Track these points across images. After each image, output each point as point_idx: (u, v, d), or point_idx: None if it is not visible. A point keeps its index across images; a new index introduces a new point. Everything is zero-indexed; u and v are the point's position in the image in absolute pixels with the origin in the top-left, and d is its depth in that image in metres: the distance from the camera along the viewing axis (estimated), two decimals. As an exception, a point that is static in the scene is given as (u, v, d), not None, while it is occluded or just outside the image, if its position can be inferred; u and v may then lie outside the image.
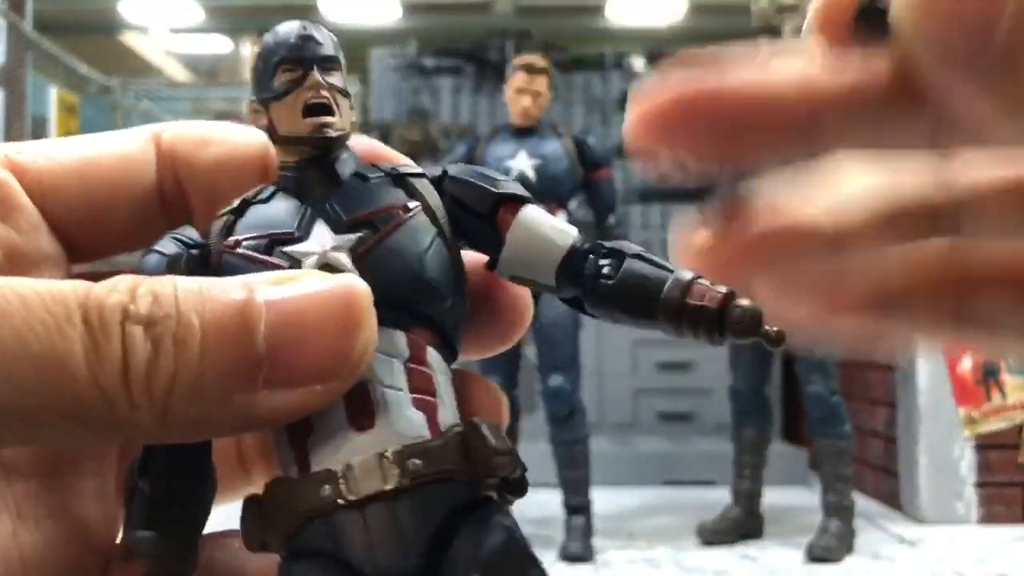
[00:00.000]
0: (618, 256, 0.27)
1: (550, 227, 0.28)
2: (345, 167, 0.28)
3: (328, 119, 0.27)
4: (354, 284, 0.23)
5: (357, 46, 6.22)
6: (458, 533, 0.25)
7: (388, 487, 0.25)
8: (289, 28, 0.28)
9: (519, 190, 0.29)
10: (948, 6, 0.20)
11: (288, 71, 0.27)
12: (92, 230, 0.28)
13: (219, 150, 0.29)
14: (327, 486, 0.25)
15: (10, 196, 0.26)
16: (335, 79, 0.28)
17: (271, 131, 0.28)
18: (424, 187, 0.28)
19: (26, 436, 0.22)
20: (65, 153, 0.28)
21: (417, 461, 0.25)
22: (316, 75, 0.27)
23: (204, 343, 0.21)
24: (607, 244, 0.28)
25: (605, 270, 0.27)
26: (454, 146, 3.50)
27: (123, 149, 0.29)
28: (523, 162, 3.19)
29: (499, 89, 4.89)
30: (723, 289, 0.26)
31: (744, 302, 0.25)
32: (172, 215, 0.29)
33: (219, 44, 9.42)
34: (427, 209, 0.28)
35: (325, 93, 0.27)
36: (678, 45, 5.45)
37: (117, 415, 0.21)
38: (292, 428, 0.25)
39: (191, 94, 6.21)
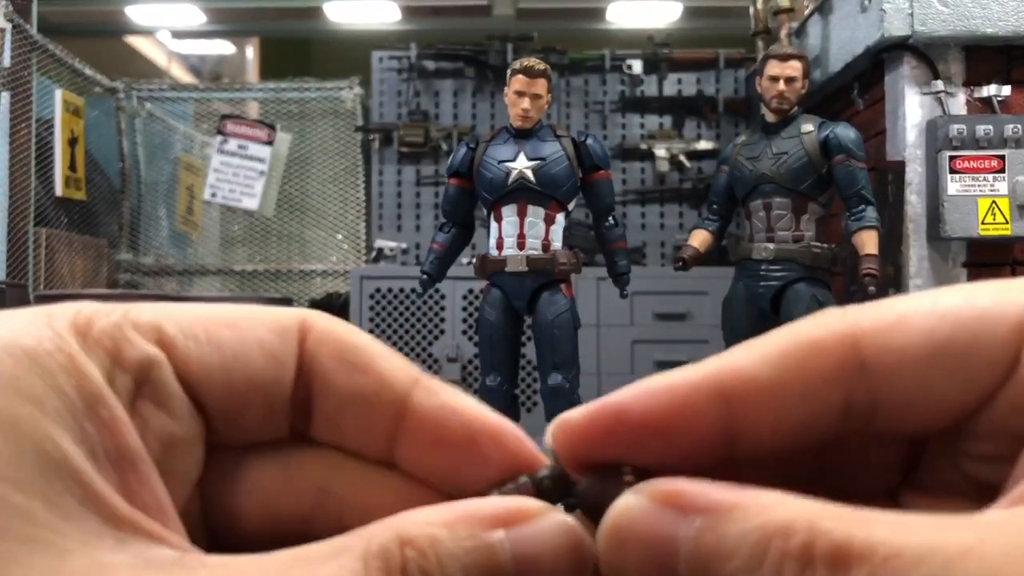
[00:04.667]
0: None
1: None
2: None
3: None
4: (578, 528, 0.25)
5: (358, 48, 6.26)
6: None
7: None
8: None
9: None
10: (634, 559, 0.24)
11: None
12: (226, 421, 0.28)
13: (364, 381, 0.28)
14: None
15: (165, 382, 0.26)
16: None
17: None
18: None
19: None
20: (212, 338, 0.27)
21: None
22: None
23: None
24: None
25: None
26: (455, 148, 3.53)
27: (269, 345, 0.27)
28: (523, 164, 3.22)
29: (499, 92, 4.93)
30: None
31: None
32: (298, 415, 0.28)
33: (222, 47, 9.47)
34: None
35: None
36: (676, 47, 5.48)
37: None
38: None
39: (194, 96, 6.24)
